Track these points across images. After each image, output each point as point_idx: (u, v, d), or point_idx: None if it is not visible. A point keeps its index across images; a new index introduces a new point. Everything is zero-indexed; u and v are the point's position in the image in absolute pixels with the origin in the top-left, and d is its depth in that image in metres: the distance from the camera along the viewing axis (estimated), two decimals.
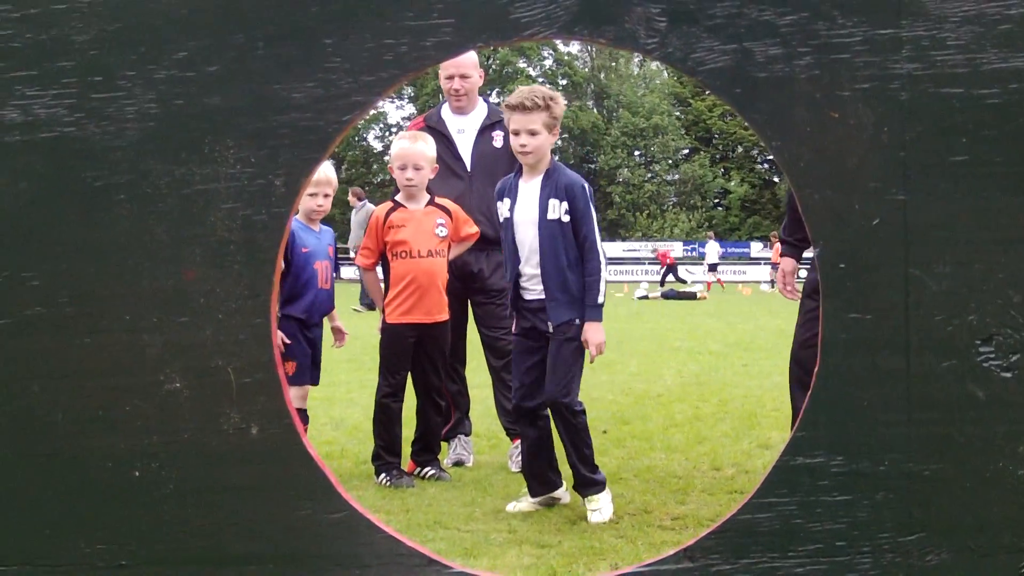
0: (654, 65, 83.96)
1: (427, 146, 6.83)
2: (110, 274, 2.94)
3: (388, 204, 7.02)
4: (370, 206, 25.64)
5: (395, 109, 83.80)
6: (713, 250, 53.46)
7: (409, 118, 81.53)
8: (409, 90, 79.48)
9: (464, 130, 7.43)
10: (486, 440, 8.08)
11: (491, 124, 7.44)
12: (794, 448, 2.90)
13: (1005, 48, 2.82)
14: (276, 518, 2.94)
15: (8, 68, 2.93)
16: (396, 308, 6.81)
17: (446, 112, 7.49)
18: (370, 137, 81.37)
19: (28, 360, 2.94)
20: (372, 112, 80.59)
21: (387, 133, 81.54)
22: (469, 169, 7.35)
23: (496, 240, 7.22)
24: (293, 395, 6.89)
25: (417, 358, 6.97)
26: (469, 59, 7.40)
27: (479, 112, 7.49)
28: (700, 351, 16.07)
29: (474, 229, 7.09)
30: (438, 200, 6.97)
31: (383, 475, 6.67)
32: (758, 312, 27.45)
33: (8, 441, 2.97)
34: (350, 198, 25.50)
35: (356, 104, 2.92)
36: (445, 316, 6.94)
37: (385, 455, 6.76)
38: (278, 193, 2.91)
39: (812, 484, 2.89)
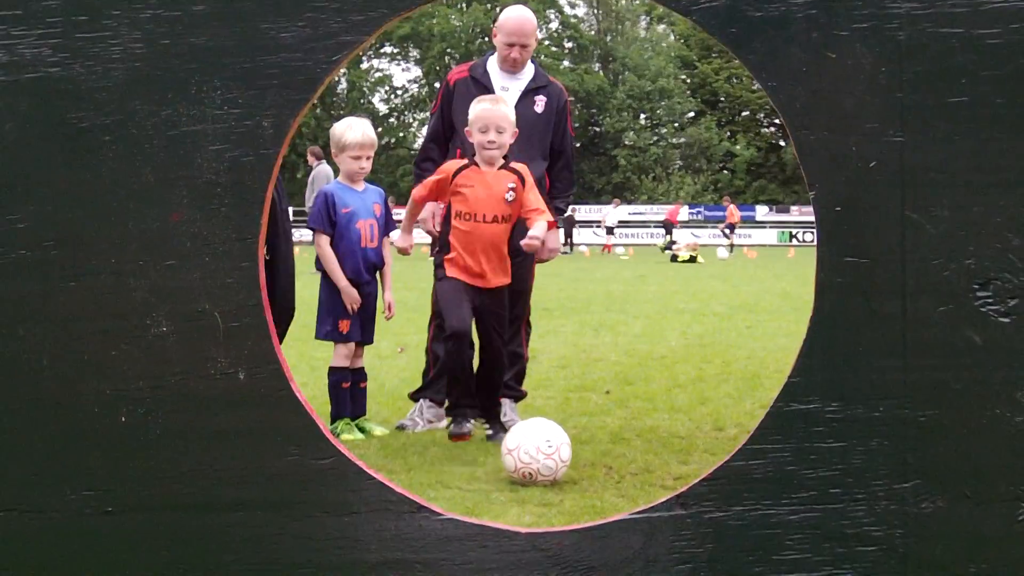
0: (660, 27, 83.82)
1: (509, 109, 6.57)
2: (96, 217, 2.90)
3: (462, 161, 6.74)
4: (326, 167, 25.56)
5: (400, 71, 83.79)
6: (613, 215, 54.13)
7: (415, 81, 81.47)
8: (415, 52, 79.33)
9: (508, 89, 7.22)
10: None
11: (535, 88, 7.28)
12: (788, 394, 2.87)
13: None
14: (264, 464, 2.92)
15: None
16: (453, 268, 6.64)
17: (492, 66, 7.29)
18: (376, 100, 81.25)
19: (13, 304, 2.91)
20: (378, 75, 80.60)
21: (392, 96, 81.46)
22: None
23: None
24: (341, 352, 6.94)
25: (478, 319, 6.79)
26: (531, 26, 7.24)
27: (526, 74, 7.30)
28: (704, 313, 16.07)
29: (542, 215, 6.60)
30: (514, 164, 6.68)
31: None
32: (762, 275, 27.46)
33: None
34: (308, 157, 25.36)
35: (345, 44, 2.87)
36: (504, 281, 6.70)
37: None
38: (266, 134, 2.87)
39: (806, 430, 2.87)
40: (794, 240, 64.60)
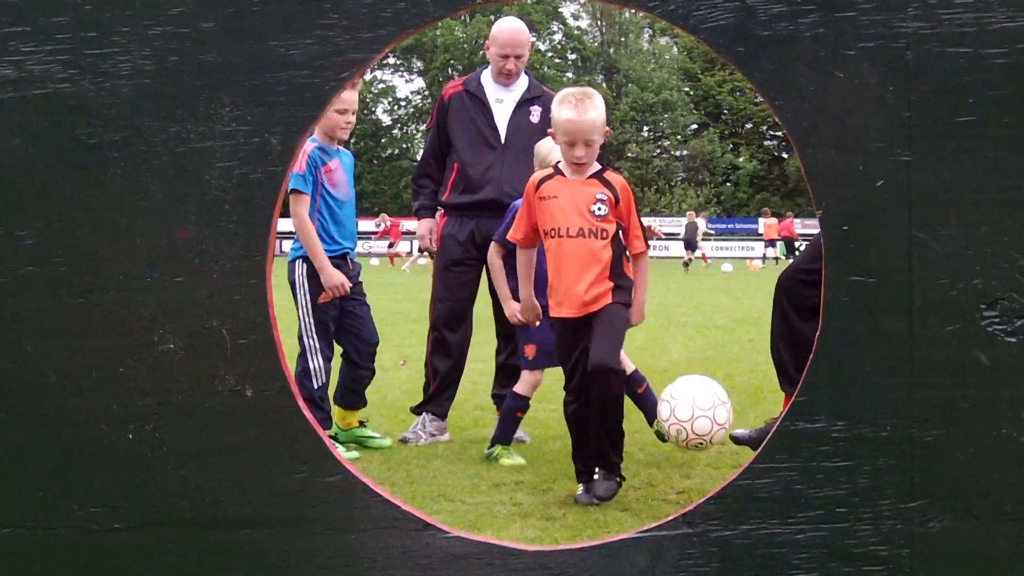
0: (663, 40, 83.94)
1: (598, 114, 5.42)
2: (104, 233, 2.91)
3: (547, 170, 5.70)
4: None
5: (404, 83, 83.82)
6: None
7: (418, 92, 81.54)
8: (419, 63, 79.41)
9: (503, 100, 7.26)
10: (492, 413, 8.05)
11: (530, 98, 7.30)
12: (795, 413, 2.88)
13: (1013, 7, 2.78)
14: (271, 481, 2.92)
15: (2, 24, 2.90)
16: (551, 299, 5.63)
17: (486, 79, 7.33)
18: (379, 111, 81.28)
19: (21, 320, 2.92)
20: (381, 86, 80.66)
21: (395, 107, 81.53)
22: (503, 141, 7.19)
23: None
24: (527, 379, 6.47)
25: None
26: (525, 36, 7.28)
27: (520, 84, 7.34)
28: (707, 326, 16.06)
29: (639, 244, 5.68)
30: (609, 174, 5.61)
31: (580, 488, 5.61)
32: (766, 287, 27.44)
33: (0, 402, 2.95)
34: None
35: (354, 62, 2.88)
36: (599, 306, 5.53)
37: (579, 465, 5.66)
38: (274, 151, 2.88)
39: (813, 449, 2.87)
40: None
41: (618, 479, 5.51)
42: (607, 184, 5.53)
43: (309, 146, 6.49)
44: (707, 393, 5.63)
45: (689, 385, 5.69)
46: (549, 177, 5.60)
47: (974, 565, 2.88)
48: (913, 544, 2.87)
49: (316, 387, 6.51)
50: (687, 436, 5.46)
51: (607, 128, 5.57)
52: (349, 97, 6.59)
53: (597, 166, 5.59)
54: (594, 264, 5.50)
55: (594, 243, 5.50)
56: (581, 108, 5.39)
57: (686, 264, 41.47)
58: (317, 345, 6.54)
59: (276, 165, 2.88)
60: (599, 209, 5.48)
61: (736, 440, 6.13)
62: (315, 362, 6.52)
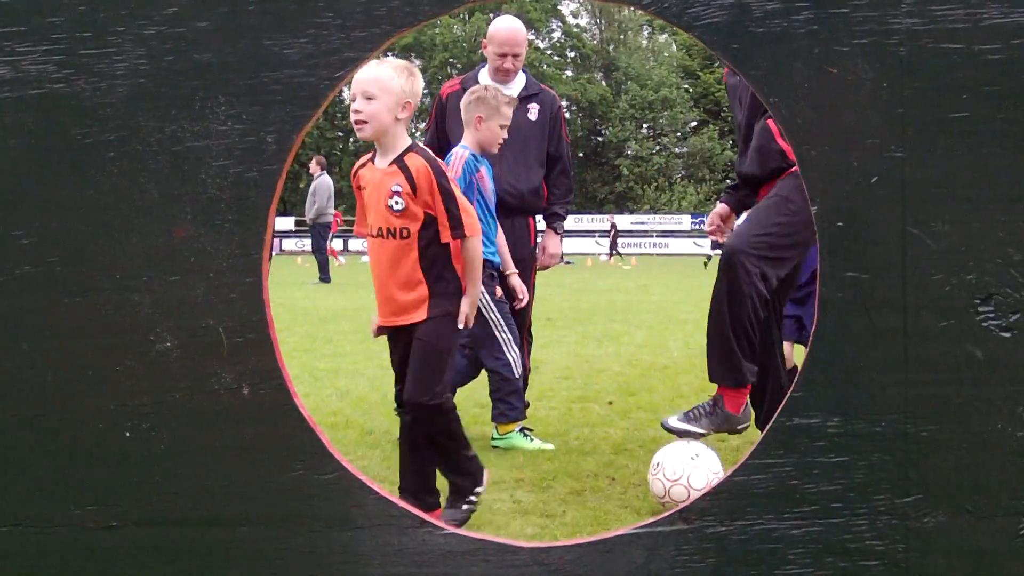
0: (663, 38, 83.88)
1: (379, 72, 4.59)
2: (100, 232, 2.92)
3: (368, 154, 4.94)
4: (327, 178, 25.33)
5: None
6: None
7: None
8: (418, 62, 79.33)
9: None
10: (489, 411, 8.06)
11: (528, 96, 7.30)
12: (790, 409, 2.88)
13: (1006, 3, 2.79)
14: (267, 479, 2.93)
15: None
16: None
17: (484, 77, 7.33)
18: None
19: (17, 319, 2.93)
20: None
21: None
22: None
23: (519, 209, 7.09)
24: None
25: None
26: (522, 35, 7.28)
27: (517, 83, 7.33)
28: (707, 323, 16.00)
29: (456, 232, 4.72)
30: (410, 156, 4.72)
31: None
32: None
33: None
34: (312, 166, 25.12)
35: (348, 60, 2.89)
36: (414, 318, 4.77)
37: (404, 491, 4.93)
38: (269, 150, 2.89)
39: (808, 445, 2.87)
40: None
41: (466, 504, 4.96)
42: (405, 170, 4.68)
43: (464, 152, 6.60)
44: (678, 462, 5.28)
45: (668, 454, 5.42)
46: (364, 164, 4.90)
47: (969, 560, 2.88)
48: (908, 539, 2.88)
49: (517, 376, 6.73)
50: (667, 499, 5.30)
51: (408, 101, 4.64)
52: (510, 112, 6.77)
53: (402, 147, 4.75)
54: (399, 267, 4.76)
55: (395, 243, 4.74)
56: (376, 63, 4.63)
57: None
58: (509, 337, 6.69)
59: (271, 164, 2.89)
60: (396, 203, 4.68)
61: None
62: (512, 353, 6.69)
